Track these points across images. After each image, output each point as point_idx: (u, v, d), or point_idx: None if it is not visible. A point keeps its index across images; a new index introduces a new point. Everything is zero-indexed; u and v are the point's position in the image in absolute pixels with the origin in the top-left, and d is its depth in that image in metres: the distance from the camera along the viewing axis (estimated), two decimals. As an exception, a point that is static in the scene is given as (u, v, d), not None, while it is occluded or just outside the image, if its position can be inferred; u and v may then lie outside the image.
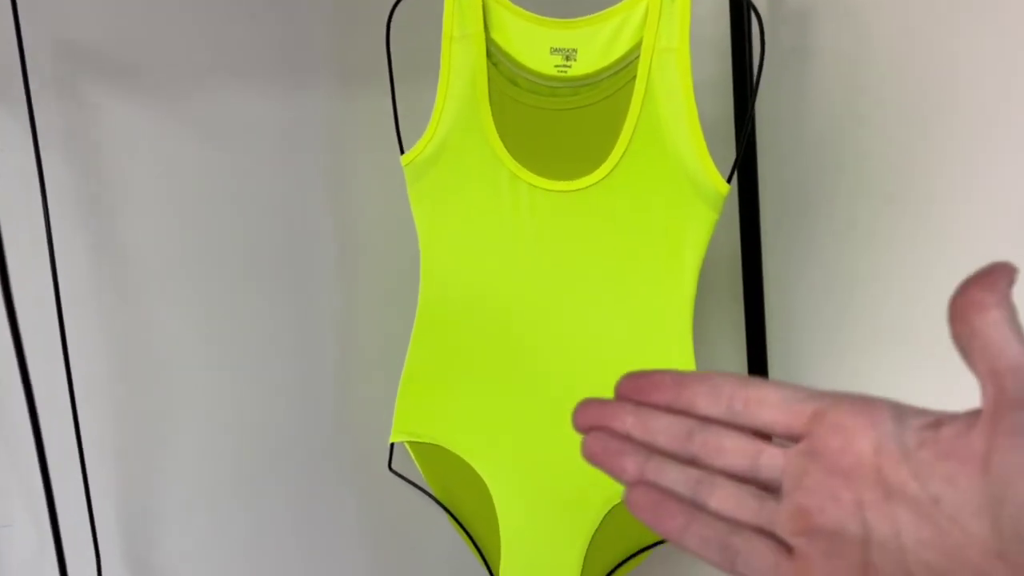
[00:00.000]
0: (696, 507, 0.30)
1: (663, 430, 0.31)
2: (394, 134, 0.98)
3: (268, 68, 1.06)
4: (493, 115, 0.91)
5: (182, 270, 1.04)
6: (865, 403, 0.28)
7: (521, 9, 0.91)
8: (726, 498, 0.30)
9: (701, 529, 0.30)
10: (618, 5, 0.88)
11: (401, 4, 0.95)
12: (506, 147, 0.91)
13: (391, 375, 1.03)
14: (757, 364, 1.06)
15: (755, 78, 0.86)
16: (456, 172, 0.94)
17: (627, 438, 0.32)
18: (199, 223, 1.03)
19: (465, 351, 0.97)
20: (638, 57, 0.86)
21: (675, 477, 0.31)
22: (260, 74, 1.05)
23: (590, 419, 0.32)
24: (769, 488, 0.30)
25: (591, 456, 0.32)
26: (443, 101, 0.93)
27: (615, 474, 0.31)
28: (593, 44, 0.89)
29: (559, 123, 0.90)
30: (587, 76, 0.89)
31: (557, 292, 0.93)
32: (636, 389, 0.32)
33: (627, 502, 0.31)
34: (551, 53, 0.90)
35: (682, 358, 0.89)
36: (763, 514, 0.29)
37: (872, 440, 0.27)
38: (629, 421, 0.32)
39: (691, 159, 0.85)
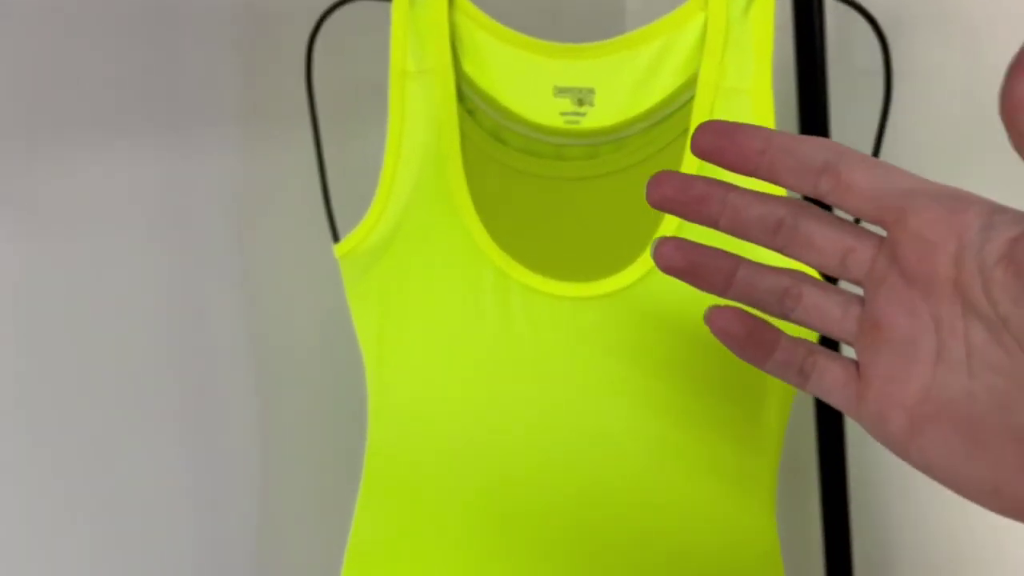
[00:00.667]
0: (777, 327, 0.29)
1: (755, 222, 0.28)
2: (322, 205, 0.68)
3: (141, 115, 0.74)
4: (470, 186, 0.62)
5: (16, 414, 0.71)
6: (954, 207, 0.25)
7: (508, 30, 0.61)
8: (810, 309, 0.29)
9: (782, 355, 0.29)
10: (655, 23, 0.59)
11: (331, 22, 0.64)
12: (489, 232, 0.61)
13: (330, 545, 0.72)
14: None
15: (880, 120, 0.58)
16: (416, 267, 0.64)
17: (708, 249, 0.29)
18: (40, 344, 0.70)
19: (436, 515, 0.66)
20: (691, 101, 0.58)
21: (766, 286, 0.29)
22: (129, 124, 0.73)
23: (670, 195, 0.28)
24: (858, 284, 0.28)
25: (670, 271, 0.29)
26: (394, 164, 0.63)
27: (705, 288, 0.29)
28: (619, 81, 0.60)
29: (569, 199, 0.61)
30: (610, 129, 0.60)
31: (570, 438, 0.63)
32: (717, 148, 0.28)
33: (715, 327, 0.29)
34: (555, 95, 0.61)
35: (762, 534, 0.61)
36: (846, 325, 0.29)
37: (952, 252, 0.25)
38: (715, 208, 0.29)
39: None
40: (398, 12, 0.61)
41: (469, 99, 0.62)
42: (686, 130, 0.58)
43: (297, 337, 0.84)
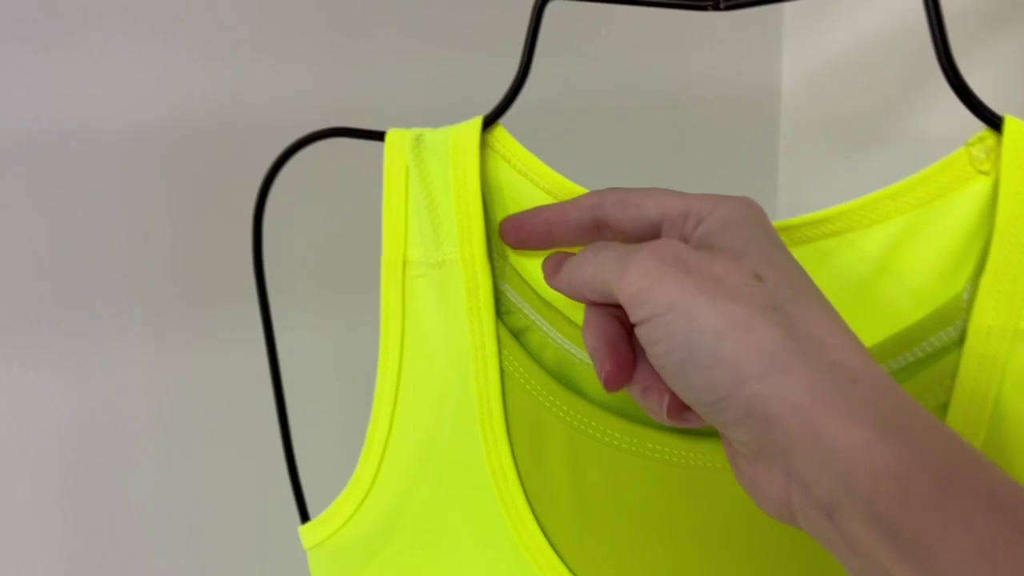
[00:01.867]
0: None
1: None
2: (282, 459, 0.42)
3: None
4: (518, 460, 0.34)
5: None
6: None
7: (581, 193, 0.34)
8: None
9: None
10: (890, 189, 0.30)
11: (290, 169, 0.38)
12: (551, 539, 0.34)
13: None
14: None
15: None
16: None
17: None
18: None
19: None
20: (957, 347, 0.29)
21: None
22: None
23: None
24: None
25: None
26: (389, 413, 0.37)
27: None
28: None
29: (688, 501, 0.33)
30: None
31: None
32: (520, 242, 0.33)
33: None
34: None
35: None
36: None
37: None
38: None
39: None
40: (393, 165, 0.35)
41: (517, 312, 0.35)
42: (943, 406, 0.29)
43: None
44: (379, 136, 0.35)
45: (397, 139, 0.35)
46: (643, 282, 0.25)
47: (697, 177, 0.66)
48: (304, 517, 0.40)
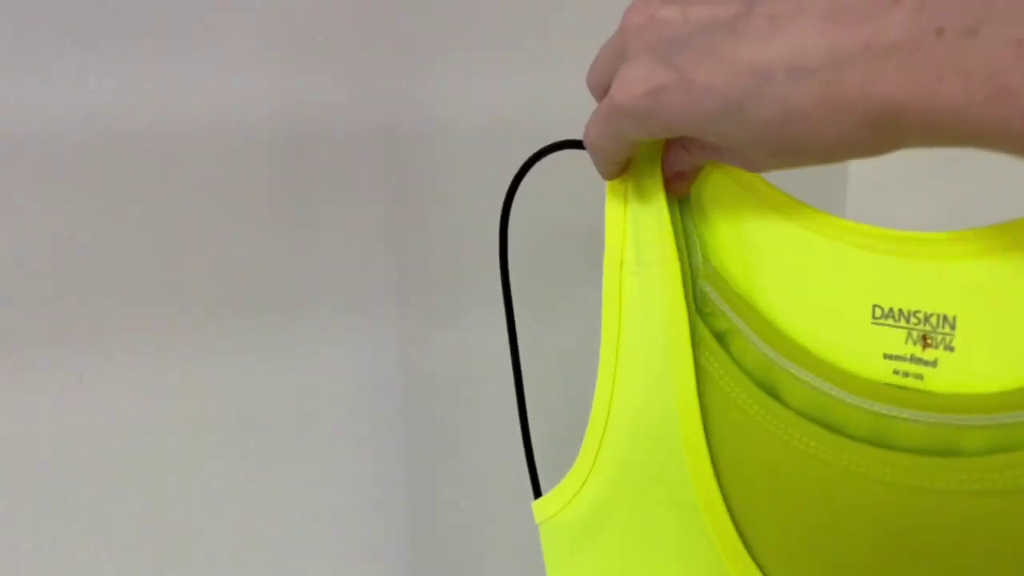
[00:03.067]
0: None
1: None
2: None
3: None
4: (716, 459, 0.35)
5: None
6: None
7: (797, 201, 0.34)
8: None
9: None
10: None
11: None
12: (747, 541, 0.35)
13: None
14: None
15: None
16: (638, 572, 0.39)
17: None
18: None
19: None
20: None
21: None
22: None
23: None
24: None
25: None
26: (607, 400, 0.39)
27: None
28: (1010, 302, 0.29)
29: (899, 523, 0.31)
30: (993, 399, 0.29)
31: None
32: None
33: None
34: (876, 320, 0.32)
35: None
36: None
37: None
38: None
39: None
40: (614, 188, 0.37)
41: (719, 314, 0.36)
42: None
43: None
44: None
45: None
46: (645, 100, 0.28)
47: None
48: (537, 493, 0.44)
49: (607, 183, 0.38)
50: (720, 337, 0.36)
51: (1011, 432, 0.29)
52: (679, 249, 0.35)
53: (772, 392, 0.34)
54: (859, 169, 0.74)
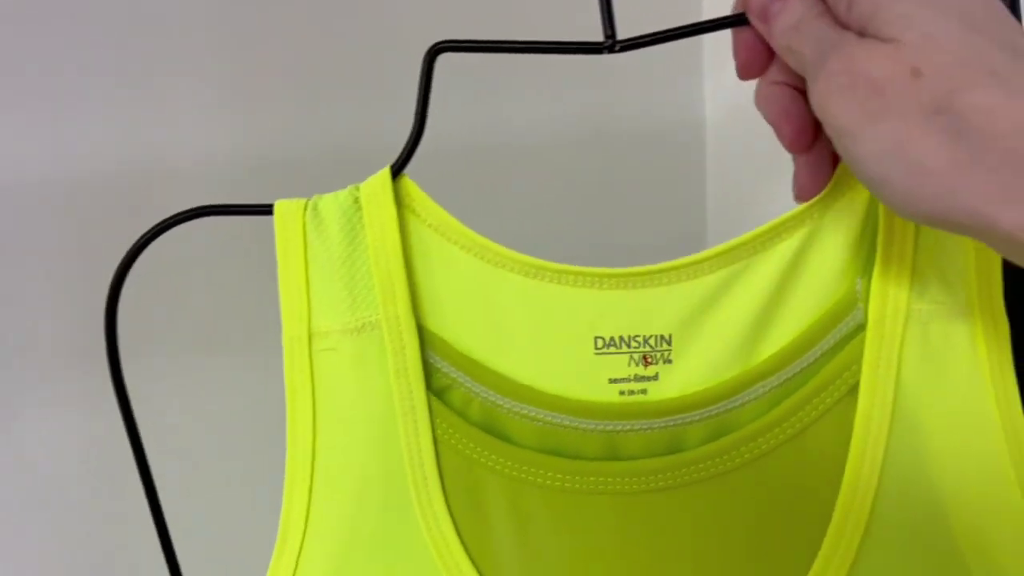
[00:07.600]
0: None
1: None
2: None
3: None
4: (458, 523, 0.34)
5: None
6: None
7: (499, 247, 0.33)
8: None
9: None
10: (786, 216, 0.33)
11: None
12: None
13: None
14: None
15: None
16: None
17: None
18: None
19: None
20: (855, 336, 0.33)
21: None
22: None
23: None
24: None
25: None
26: (305, 497, 0.34)
27: None
28: (715, 320, 0.33)
29: (629, 527, 0.34)
30: (703, 399, 0.33)
31: None
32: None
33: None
34: (598, 350, 0.33)
35: None
36: None
37: None
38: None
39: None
40: (286, 237, 0.32)
41: (436, 372, 0.34)
42: (854, 388, 0.32)
43: None
44: (264, 210, 0.32)
45: (288, 209, 0.32)
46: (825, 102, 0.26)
47: (626, 210, 0.66)
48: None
49: (278, 247, 0.32)
50: (440, 395, 0.34)
51: (724, 420, 0.33)
52: (410, 300, 0.32)
53: (501, 435, 0.34)
54: (716, 186, 0.71)
